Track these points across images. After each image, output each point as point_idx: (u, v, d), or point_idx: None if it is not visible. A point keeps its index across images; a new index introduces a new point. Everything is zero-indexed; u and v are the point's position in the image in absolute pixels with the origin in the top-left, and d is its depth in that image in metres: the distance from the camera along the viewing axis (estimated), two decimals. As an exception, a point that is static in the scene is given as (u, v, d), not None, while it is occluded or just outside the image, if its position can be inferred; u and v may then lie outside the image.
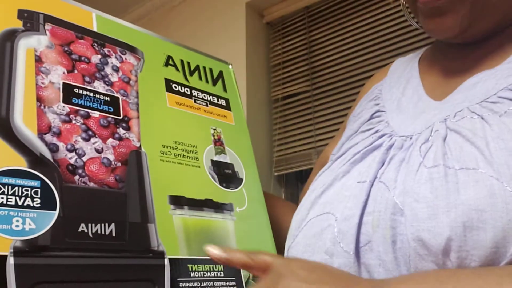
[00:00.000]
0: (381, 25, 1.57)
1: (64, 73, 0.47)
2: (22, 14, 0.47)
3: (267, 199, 0.61)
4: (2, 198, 0.37)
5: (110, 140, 0.47)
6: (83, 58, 0.50)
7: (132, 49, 0.56)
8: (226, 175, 0.57)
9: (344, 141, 0.55)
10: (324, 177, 0.51)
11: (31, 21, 0.47)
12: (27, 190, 0.38)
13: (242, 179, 0.59)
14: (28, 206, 0.38)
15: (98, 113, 0.48)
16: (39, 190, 0.39)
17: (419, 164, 0.40)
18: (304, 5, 1.77)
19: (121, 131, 0.49)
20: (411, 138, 0.44)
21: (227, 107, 0.64)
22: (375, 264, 0.39)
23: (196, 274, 0.46)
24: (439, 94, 0.49)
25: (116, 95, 0.50)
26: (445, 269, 0.35)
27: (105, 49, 0.53)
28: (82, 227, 0.40)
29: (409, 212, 0.37)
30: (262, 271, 0.37)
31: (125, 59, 0.54)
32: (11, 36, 0.45)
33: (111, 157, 0.46)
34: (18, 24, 0.46)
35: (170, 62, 0.60)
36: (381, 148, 0.46)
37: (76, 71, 0.48)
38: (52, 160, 0.42)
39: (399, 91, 0.54)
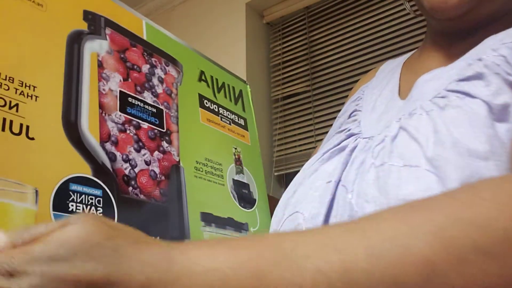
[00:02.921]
0: (381, 26, 1.60)
1: (120, 80, 0.48)
2: (87, 16, 0.47)
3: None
4: (72, 205, 0.37)
5: (156, 152, 0.48)
6: (135, 67, 0.50)
7: (174, 61, 0.57)
8: (243, 195, 0.60)
9: (325, 141, 0.57)
10: (296, 177, 0.52)
11: (94, 24, 0.47)
12: (92, 199, 0.39)
13: (255, 200, 0.62)
14: (93, 215, 0.39)
15: (147, 124, 0.49)
16: (101, 199, 0.40)
17: (370, 165, 0.41)
18: (304, 5, 1.79)
19: (164, 144, 0.50)
20: (372, 140, 0.45)
21: (245, 126, 0.67)
22: None
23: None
24: (407, 94, 0.49)
25: (161, 107, 0.51)
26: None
27: (153, 59, 0.53)
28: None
29: (361, 212, 0.38)
30: None
31: (168, 71, 0.55)
32: (78, 38, 0.45)
33: (157, 170, 0.48)
34: (83, 25, 0.46)
35: (203, 77, 0.62)
36: (347, 149, 0.46)
37: (130, 80, 0.49)
38: (111, 170, 0.42)
39: (378, 92, 0.55)
